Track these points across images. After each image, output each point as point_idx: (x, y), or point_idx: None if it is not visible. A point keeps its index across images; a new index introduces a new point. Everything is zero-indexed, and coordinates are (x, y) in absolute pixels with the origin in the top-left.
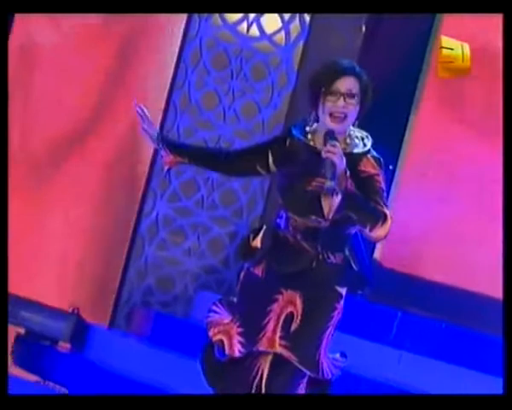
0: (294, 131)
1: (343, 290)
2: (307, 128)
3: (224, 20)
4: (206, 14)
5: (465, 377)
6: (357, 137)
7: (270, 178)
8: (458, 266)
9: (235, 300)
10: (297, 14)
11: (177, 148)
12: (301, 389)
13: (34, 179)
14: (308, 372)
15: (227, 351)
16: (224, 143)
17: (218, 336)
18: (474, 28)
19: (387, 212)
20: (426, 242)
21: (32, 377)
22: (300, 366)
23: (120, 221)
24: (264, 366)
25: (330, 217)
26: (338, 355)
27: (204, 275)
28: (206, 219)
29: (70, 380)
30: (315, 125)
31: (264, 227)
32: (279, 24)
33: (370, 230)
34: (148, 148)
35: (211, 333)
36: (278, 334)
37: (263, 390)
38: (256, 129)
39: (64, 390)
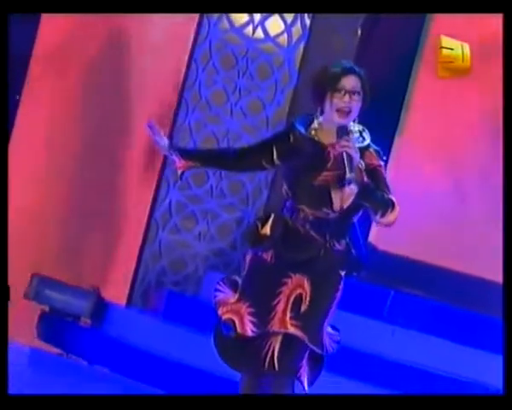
0: (298, 127)
1: (343, 273)
2: (312, 124)
3: (231, 23)
4: (215, 19)
5: (453, 350)
6: (357, 130)
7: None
8: (447, 248)
9: (237, 278)
10: (298, 18)
11: (187, 153)
12: (304, 364)
13: (56, 167)
14: (315, 349)
15: (239, 330)
16: (231, 137)
17: (228, 315)
18: (465, 27)
19: (394, 199)
20: (417, 226)
21: (55, 351)
22: (310, 344)
23: (137, 208)
24: (276, 344)
25: (344, 207)
26: (329, 329)
27: (213, 257)
28: (215, 207)
29: (90, 353)
30: (319, 120)
31: (273, 216)
32: (282, 27)
33: (382, 216)
34: None
35: (220, 312)
36: (288, 315)
37: (275, 366)
38: (261, 124)
39: (84, 362)
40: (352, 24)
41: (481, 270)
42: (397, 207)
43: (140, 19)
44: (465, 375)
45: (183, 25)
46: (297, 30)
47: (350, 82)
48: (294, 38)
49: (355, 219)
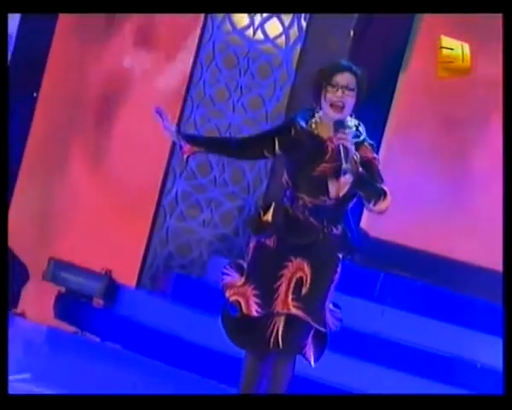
0: (299, 121)
1: (340, 255)
2: (313, 118)
3: (233, 26)
4: (218, 22)
5: (438, 328)
6: (353, 125)
7: (273, 160)
8: (432, 235)
9: (242, 263)
10: (295, 21)
11: (193, 139)
12: (309, 341)
13: (72, 157)
14: (319, 328)
15: (245, 311)
16: (233, 131)
17: (234, 297)
18: (451, 26)
19: (386, 189)
20: (407, 214)
21: (71, 329)
22: (314, 324)
23: (146, 197)
24: (279, 324)
25: (340, 195)
26: (331, 305)
27: (216, 242)
28: (219, 195)
29: (102, 331)
30: (319, 114)
31: (274, 204)
32: (280, 29)
33: (374, 204)
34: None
35: (227, 294)
36: (290, 296)
37: (279, 344)
38: (261, 119)
39: (97, 339)
40: (345, 26)
41: (465, 254)
42: (388, 197)
43: (148, 22)
44: (449, 351)
45: (188, 28)
46: (294, 32)
47: (344, 78)
48: (292, 40)
49: (349, 207)
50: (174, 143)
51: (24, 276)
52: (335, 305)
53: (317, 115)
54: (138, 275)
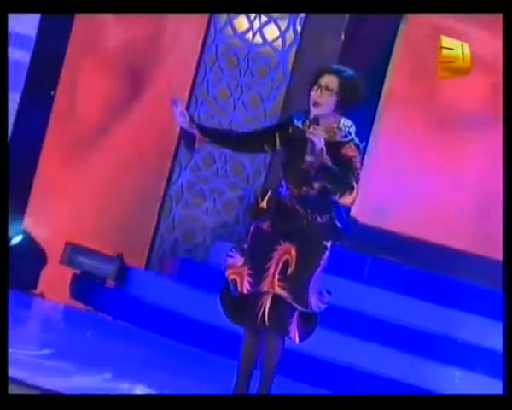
0: (296, 120)
1: (328, 243)
2: (307, 119)
3: (234, 30)
4: (220, 27)
5: (424, 307)
6: (345, 126)
7: (271, 154)
8: (418, 221)
9: (245, 246)
10: (291, 26)
11: (203, 129)
12: (294, 321)
13: (87, 154)
14: (298, 307)
15: (239, 288)
16: (234, 127)
17: (232, 276)
18: (437, 26)
19: (355, 185)
20: (394, 201)
21: (85, 308)
22: (293, 303)
23: (153, 187)
24: (266, 303)
25: (316, 187)
26: (324, 292)
27: (219, 229)
28: (221, 185)
29: (114, 310)
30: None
31: (270, 192)
32: (277, 33)
33: (339, 197)
34: (175, 130)
35: (227, 274)
36: (277, 277)
37: (266, 322)
38: (260, 116)
39: (109, 318)
40: (336, 29)
41: (448, 239)
42: (354, 193)
43: (156, 26)
44: (434, 328)
45: (193, 32)
46: (290, 35)
47: (325, 80)
48: (288, 43)
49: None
50: (180, 138)
51: (42, 260)
52: (328, 292)
53: (310, 115)
54: (147, 258)
